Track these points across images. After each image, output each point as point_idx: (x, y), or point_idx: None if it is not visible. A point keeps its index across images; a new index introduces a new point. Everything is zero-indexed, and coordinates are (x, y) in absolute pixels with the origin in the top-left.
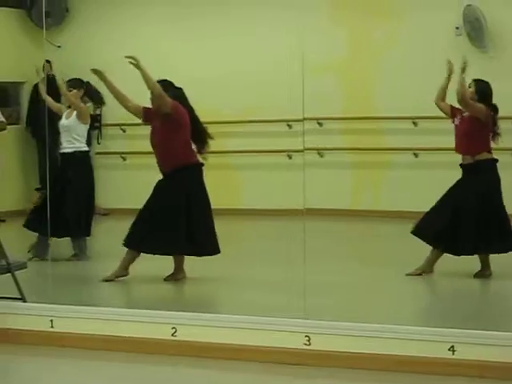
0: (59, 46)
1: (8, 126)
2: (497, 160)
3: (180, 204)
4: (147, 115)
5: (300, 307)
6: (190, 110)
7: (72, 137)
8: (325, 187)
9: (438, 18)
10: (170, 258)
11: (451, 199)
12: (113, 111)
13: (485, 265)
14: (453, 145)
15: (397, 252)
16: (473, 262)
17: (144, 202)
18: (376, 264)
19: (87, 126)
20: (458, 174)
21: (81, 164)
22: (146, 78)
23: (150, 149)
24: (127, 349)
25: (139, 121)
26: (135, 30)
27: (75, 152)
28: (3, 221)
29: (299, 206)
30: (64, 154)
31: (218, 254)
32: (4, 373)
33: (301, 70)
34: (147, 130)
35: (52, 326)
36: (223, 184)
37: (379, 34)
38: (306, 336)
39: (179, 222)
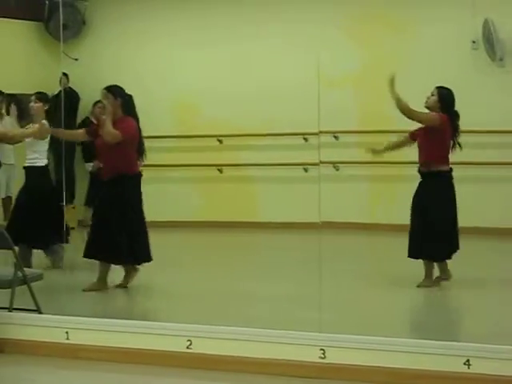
0: (76, 59)
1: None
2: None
3: (117, 212)
4: (92, 132)
5: (315, 320)
6: (136, 120)
7: (32, 151)
8: (340, 201)
9: (453, 32)
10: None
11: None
12: None
13: (442, 269)
14: (470, 158)
15: (412, 266)
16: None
17: (159, 213)
18: (391, 278)
19: (47, 141)
20: (473, 188)
21: (39, 178)
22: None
23: (166, 162)
24: (142, 361)
25: (155, 134)
26: (151, 42)
27: (32, 167)
28: None
29: (315, 220)
30: (25, 167)
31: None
32: None
33: (317, 84)
34: (163, 142)
35: (67, 338)
36: (239, 197)
37: (394, 49)
38: (321, 349)
39: (119, 230)
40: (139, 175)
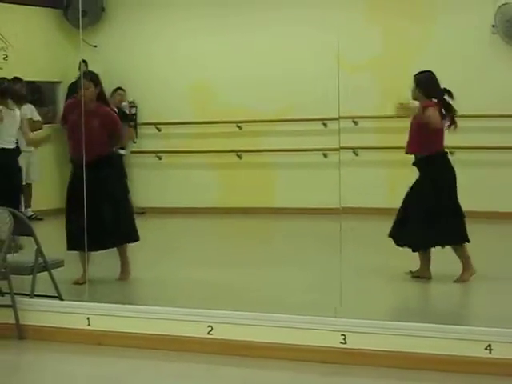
0: (95, 46)
1: (44, 125)
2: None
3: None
4: (65, 120)
5: (336, 305)
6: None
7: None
8: (360, 186)
9: (473, 15)
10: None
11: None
12: (148, 110)
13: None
14: (489, 143)
15: (432, 252)
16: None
17: (179, 199)
18: (411, 264)
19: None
20: (492, 172)
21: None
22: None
23: (186, 148)
24: (163, 347)
25: (175, 120)
26: (169, 29)
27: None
28: (40, 219)
29: (335, 205)
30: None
31: None
32: (40, 370)
33: (336, 69)
34: (183, 128)
35: (89, 324)
36: (259, 183)
37: (415, 34)
38: (342, 334)
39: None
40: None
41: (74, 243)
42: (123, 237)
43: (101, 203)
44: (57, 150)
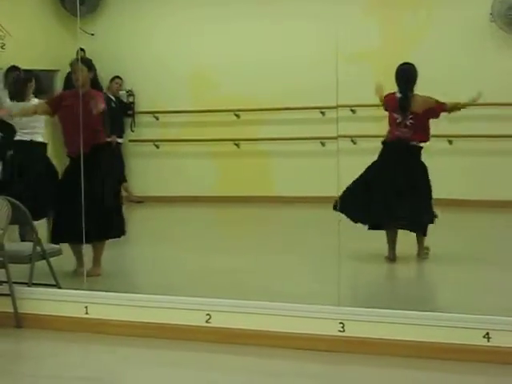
0: (93, 34)
1: None
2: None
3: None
4: (54, 104)
5: (334, 294)
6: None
7: None
8: (358, 174)
9: (470, 4)
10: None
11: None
12: (146, 99)
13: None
14: (488, 131)
15: (431, 240)
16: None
17: (177, 188)
18: (409, 251)
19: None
20: (492, 161)
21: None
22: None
23: (183, 136)
24: (161, 335)
25: (173, 108)
26: (168, 17)
27: None
28: None
29: (332, 193)
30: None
31: None
32: (38, 358)
33: (335, 58)
34: (181, 117)
35: (87, 313)
36: (257, 171)
37: (413, 24)
38: (340, 323)
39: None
40: (110, 144)
41: (58, 237)
42: (104, 232)
43: (91, 195)
44: (54, 138)
